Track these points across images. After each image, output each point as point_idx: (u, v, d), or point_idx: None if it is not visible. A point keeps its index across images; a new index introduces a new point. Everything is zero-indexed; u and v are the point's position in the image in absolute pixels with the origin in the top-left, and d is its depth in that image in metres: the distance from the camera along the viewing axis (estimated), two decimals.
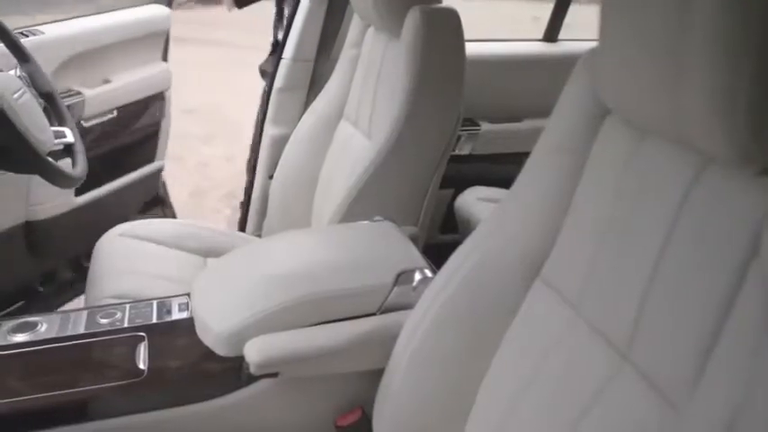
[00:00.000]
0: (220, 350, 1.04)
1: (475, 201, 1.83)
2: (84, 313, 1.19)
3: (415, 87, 1.31)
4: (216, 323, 1.05)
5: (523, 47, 2.34)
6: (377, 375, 1.02)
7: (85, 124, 2.11)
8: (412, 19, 1.31)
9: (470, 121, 2.16)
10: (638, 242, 0.72)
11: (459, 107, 1.39)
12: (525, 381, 0.83)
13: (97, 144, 1.99)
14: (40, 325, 1.16)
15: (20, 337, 1.13)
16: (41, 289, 1.96)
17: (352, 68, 1.66)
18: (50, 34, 2.10)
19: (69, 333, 1.14)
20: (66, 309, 1.22)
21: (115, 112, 2.18)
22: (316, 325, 1.05)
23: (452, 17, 1.33)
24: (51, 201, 1.86)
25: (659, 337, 0.68)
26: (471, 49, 1.38)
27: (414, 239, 1.25)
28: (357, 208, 1.36)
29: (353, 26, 1.69)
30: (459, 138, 2.16)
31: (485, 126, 2.18)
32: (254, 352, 1.00)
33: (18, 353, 1.10)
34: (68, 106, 2.04)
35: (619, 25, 0.71)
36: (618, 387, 0.72)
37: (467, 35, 1.38)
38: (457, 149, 2.17)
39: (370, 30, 1.59)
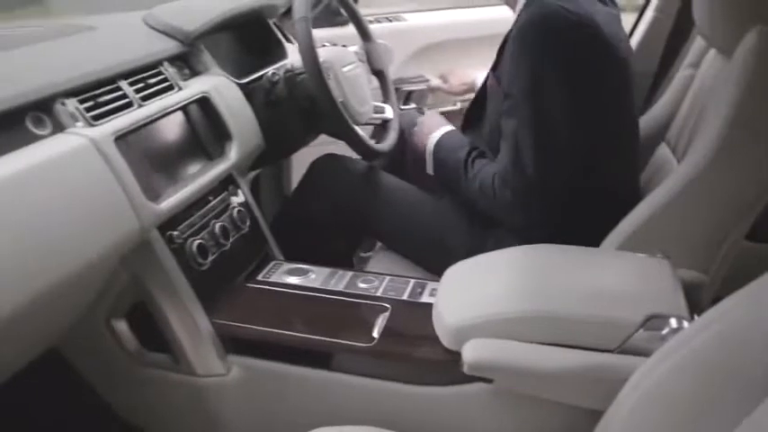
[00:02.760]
0: (444, 341, 1.04)
1: None
2: (350, 274, 1.28)
3: (734, 118, 1.13)
4: (447, 314, 1.05)
5: None
6: (596, 416, 0.93)
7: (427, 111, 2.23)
8: (747, 41, 1.13)
9: None
10: None
11: None
12: None
13: None
14: (310, 273, 1.28)
15: (292, 279, 1.27)
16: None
17: (683, 90, 1.51)
18: (412, 22, 2.27)
19: (330, 287, 1.24)
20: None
21: (458, 105, 2.27)
22: (545, 344, 0.99)
23: None
24: None
25: None
26: None
27: (694, 287, 1.11)
28: (640, 237, 1.23)
29: (695, 46, 1.53)
30: None
31: None
32: (471, 351, 0.98)
33: (284, 292, 1.24)
34: (415, 91, 2.19)
35: None
36: None
37: None
38: None
39: (711, 52, 1.43)
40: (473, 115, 1.52)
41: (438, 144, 1.45)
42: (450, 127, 1.51)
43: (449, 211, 1.42)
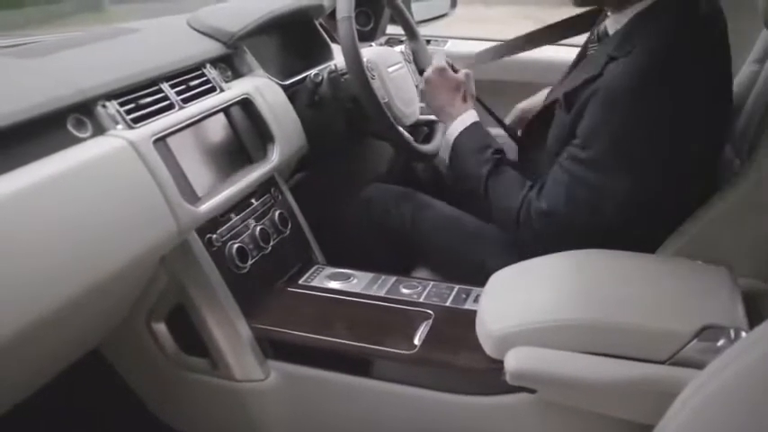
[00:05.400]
0: (487, 349, 1.00)
1: None
2: (393, 279, 1.25)
3: None
4: (490, 321, 1.01)
5: None
6: (645, 431, 0.88)
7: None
8: None
9: None
10: None
11: None
12: None
13: None
14: (352, 278, 1.26)
15: (333, 284, 1.25)
16: None
17: (748, 86, 1.43)
18: (453, 50, 2.12)
19: (372, 293, 1.21)
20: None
21: None
22: (592, 354, 0.94)
23: None
24: None
25: None
26: None
27: (756, 297, 1.04)
28: (699, 242, 1.16)
29: (760, 40, 1.45)
30: None
31: None
32: (513, 360, 0.94)
33: (325, 296, 1.22)
34: None
35: None
36: None
37: None
38: None
39: None
40: (534, 133, 1.39)
41: (460, 137, 1.36)
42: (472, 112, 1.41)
43: (492, 234, 1.36)
